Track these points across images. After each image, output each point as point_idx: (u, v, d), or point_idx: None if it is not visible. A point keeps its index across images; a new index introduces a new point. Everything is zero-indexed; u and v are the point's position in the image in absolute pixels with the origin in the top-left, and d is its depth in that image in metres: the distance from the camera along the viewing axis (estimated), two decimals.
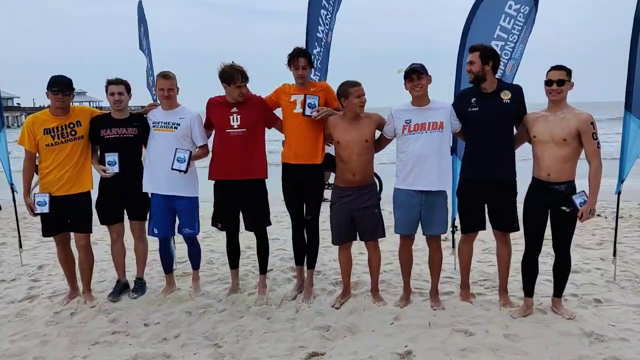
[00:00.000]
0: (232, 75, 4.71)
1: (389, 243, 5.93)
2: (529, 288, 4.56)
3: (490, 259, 6.05)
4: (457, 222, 5.12)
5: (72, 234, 5.04)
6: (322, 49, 5.88)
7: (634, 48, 4.95)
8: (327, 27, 5.87)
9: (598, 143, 4.24)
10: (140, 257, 5.29)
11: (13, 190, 6.25)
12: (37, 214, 4.82)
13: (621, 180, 5.22)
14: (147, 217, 5.19)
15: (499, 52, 4.87)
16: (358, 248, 5.13)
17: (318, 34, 5.82)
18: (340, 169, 4.72)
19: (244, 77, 4.74)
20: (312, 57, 5.30)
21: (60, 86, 4.68)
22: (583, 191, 4.27)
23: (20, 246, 6.50)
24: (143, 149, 5.07)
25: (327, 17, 5.86)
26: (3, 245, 7.57)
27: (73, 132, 4.79)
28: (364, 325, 4.36)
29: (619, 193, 5.29)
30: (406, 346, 3.91)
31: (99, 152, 5.02)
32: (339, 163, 4.72)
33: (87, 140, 4.89)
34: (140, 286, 5.23)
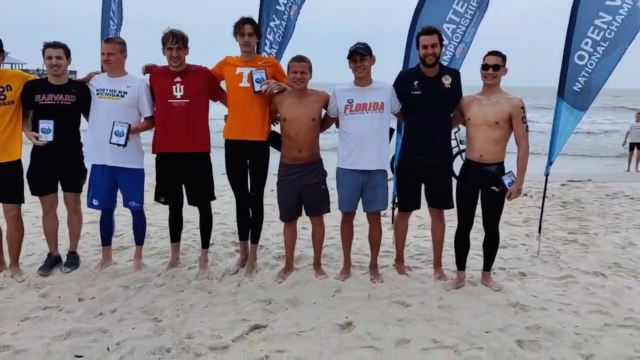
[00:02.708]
0: (166, 36, 4.59)
1: (331, 218, 6.00)
2: (460, 262, 4.79)
3: (426, 234, 6.28)
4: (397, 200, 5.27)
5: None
6: (282, 22, 5.72)
7: (569, 38, 5.22)
8: (292, 1, 5.72)
9: (527, 127, 4.50)
10: (74, 229, 5.11)
11: None
12: None
13: (550, 163, 5.52)
14: (82, 189, 5.02)
15: (450, 35, 5.00)
16: (300, 223, 5.18)
17: (278, 7, 5.67)
18: (287, 145, 4.71)
19: (177, 40, 4.57)
20: (268, 28, 5.20)
21: None
22: (511, 172, 4.51)
23: None
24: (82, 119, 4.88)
25: None
26: None
27: (2, 97, 4.52)
28: (305, 298, 4.45)
29: (547, 174, 5.59)
30: (347, 317, 4.03)
31: (31, 119, 4.78)
32: (286, 140, 4.72)
33: (19, 105, 4.63)
34: (73, 260, 5.06)
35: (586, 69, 5.26)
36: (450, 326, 3.90)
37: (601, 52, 5.20)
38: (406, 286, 4.69)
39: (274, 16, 5.74)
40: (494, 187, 4.50)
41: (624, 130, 17.12)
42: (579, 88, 5.32)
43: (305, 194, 4.78)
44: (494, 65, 4.42)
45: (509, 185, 4.45)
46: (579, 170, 13.06)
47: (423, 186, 4.84)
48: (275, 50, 5.75)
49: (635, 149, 14.49)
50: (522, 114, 4.42)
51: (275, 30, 5.69)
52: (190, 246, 5.76)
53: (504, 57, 4.47)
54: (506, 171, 4.52)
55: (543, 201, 5.72)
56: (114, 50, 4.70)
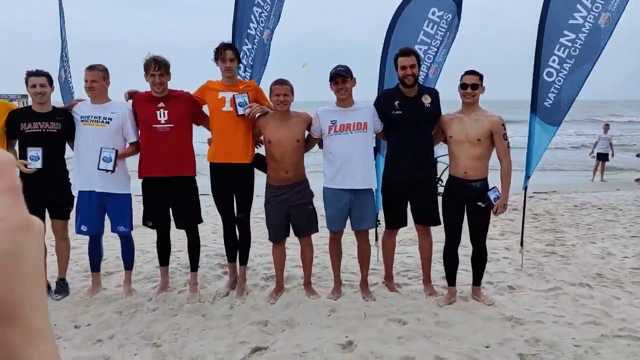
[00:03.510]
0: (148, 63, 4.63)
1: (315, 237, 6.08)
2: (451, 278, 4.90)
3: (407, 250, 6.42)
4: (380, 217, 5.36)
5: None
6: (254, 46, 5.84)
7: (538, 56, 5.44)
8: (262, 25, 5.82)
9: (508, 143, 4.66)
10: (62, 256, 5.06)
11: None
12: None
13: (527, 177, 5.71)
14: (70, 216, 4.97)
15: (422, 56, 5.14)
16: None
17: (249, 31, 5.78)
18: (273, 167, 4.77)
19: (159, 66, 4.62)
20: (241, 52, 5.29)
21: None
22: (495, 187, 4.66)
23: None
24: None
25: (263, 15, 5.81)
26: None
27: None
28: (301, 318, 4.47)
29: (525, 188, 5.78)
30: (346, 337, 4.07)
31: (17, 147, 4.73)
32: (271, 162, 4.77)
33: (3, 135, 4.60)
34: (63, 287, 5.00)
35: (555, 85, 5.45)
36: (450, 342, 3.97)
37: (567, 69, 5.39)
38: (399, 303, 4.77)
39: (246, 40, 5.85)
40: (479, 203, 4.64)
41: (590, 142, 17.76)
42: (549, 104, 5.50)
43: (293, 214, 4.84)
44: (472, 84, 4.57)
45: (495, 201, 4.60)
46: (542, 182, 13.36)
47: (409, 204, 4.95)
48: (249, 74, 5.84)
49: (601, 160, 14.99)
50: (502, 130, 4.58)
51: (247, 54, 5.80)
52: (176, 269, 5.72)
53: (481, 76, 4.63)
54: (490, 187, 4.66)
55: (524, 215, 5.89)
56: (97, 77, 4.71)
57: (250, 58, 5.79)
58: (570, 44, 5.33)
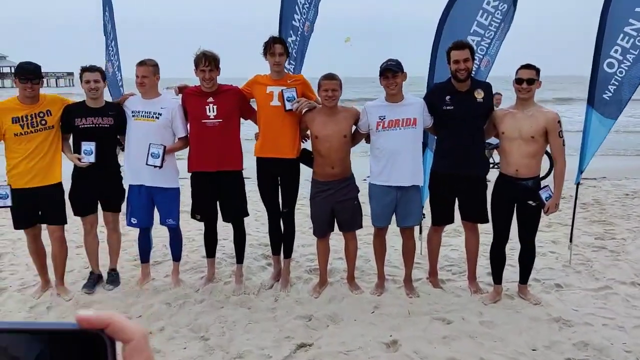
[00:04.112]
0: (198, 58, 4.68)
1: (359, 230, 6.09)
2: (497, 276, 4.83)
3: (452, 242, 6.33)
4: (424, 210, 5.30)
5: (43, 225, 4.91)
6: (297, 38, 5.84)
7: (599, 46, 5.23)
8: (305, 17, 5.83)
9: (563, 141, 4.50)
10: (114, 247, 5.23)
11: None
12: (0, 207, 4.67)
13: (580, 171, 5.56)
14: (121, 209, 5.12)
15: (475, 48, 5.01)
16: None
17: (294, 22, 5.78)
18: (319, 163, 4.78)
19: (209, 62, 4.66)
20: (288, 45, 5.29)
21: (28, 74, 4.48)
22: (547, 186, 4.55)
23: None
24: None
25: (305, 6, 5.81)
26: None
27: (43, 122, 4.62)
28: (345, 314, 4.51)
29: (578, 183, 5.62)
30: (391, 335, 4.08)
31: (71, 141, 4.88)
32: (317, 157, 4.78)
33: (58, 129, 4.73)
34: (114, 277, 5.17)
35: (616, 76, 5.25)
36: (495, 343, 3.94)
37: (631, 60, 5.18)
38: (444, 301, 4.74)
39: (290, 32, 5.85)
40: (530, 202, 4.54)
41: None
42: (609, 96, 5.31)
43: (338, 210, 4.84)
44: (528, 79, 4.42)
45: (546, 200, 4.49)
46: (591, 166, 12.91)
47: (457, 200, 4.89)
48: (293, 66, 5.86)
49: None
50: (558, 128, 4.42)
51: (292, 45, 5.80)
52: (222, 259, 5.82)
53: (537, 71, 4.46)
54: (542, 185, 4.56)
55: (574, 210, 5.76)
56: (148, 73, 4.79)
57: (294, 50, 5.78)
58: (635, 34, 5.11)
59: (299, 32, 5.85)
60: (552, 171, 4.60)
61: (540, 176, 4.62)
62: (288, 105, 4.73)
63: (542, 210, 4.55)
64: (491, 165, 10.72)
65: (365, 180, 8.85)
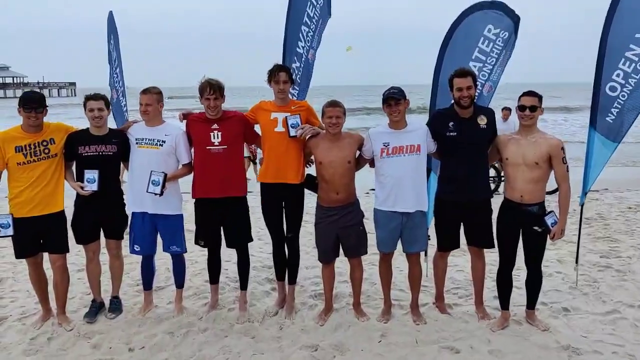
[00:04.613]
0: (203, 87, 4.69)
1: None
2: (504, 301, 4.78)
3: (457, 262, 6.27)
4: (429, 233, 5.24)
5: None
6: (301, 65, 5.88)
7: (599, 69, 5.22)
8: (309, 44, 5.87)
9: (567, 167, 4.48)
10: (116, 275, 5.17)
11: None
12: (1, 237, 4.61)
13: (584, 193, 5.51)
14: (124, 236, 5.07)
15: (476, 73, 4.98)
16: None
17: (298, 49, 5.83)
18: (324, 188, 4.74)
19: (214, 90, 4.67)
20: (291, 70, 5.28)
21: (33, 104, 4.47)
22: (552, 211, 4.51)
23: None
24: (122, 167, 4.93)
25: (309, 34, 5.86)
26: None
27: (46, 150, 4.58)
28: (351, 343, 4.45)
29: (582, 204, 5.57)
30: None
31: (74, 169, 4.83)
32: (322, 183, 4.75)
33: (61, 158, 4.70)
34: (117, 305, 5.11)
35: (619, 100, 5.25)
36: None
37: (633, 84, 5.19)
38: (451, 327, 4.69)
39: (295, 58, 5.90)
40: (536, 227, 4.50)
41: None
42: (612, 119, 5.30)
43: (343, 235, 4.80)
44: (531, 106, 4.42)
45: (552, 226, 4.45)
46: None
47: (462, 225, 4.84)
48: (297, 91, 5.88)
49: None
50: (562, 154, 4.42)
51: (296, 72, 5.85)
52: (225, 284, 5.77)
53: (540, 98, 4.47)
54: (547, 211, 4.52)
55: (579, 232, 5.70)
56: (152, 101, 4.78)
57: (299, 76, 5.78)
58: (637, 59, 5.11)
59: (303, 59, 5.89)
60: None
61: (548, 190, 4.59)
62: (292, 132, 4.72)
63: (548, 235, 4.50)
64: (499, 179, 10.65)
65: (368, 193, 8.93)
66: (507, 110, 11.74)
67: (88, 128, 4.81)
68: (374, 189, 4.90)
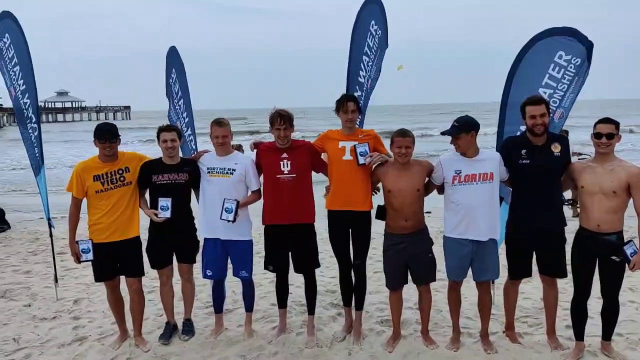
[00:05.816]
0: (273, 117, 4.84)
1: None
2: (579, 332, 4.66)
3: (524, 289, 6.10)
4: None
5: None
6: (362, 94, 6.01)
7: None
8: (369, 74, 6.02)
9: None
10: (188, 298, 5.33)
11: (50, 226, 6.31)
12: (83, 261, 4.86)
13: None
14: (195, 260, 5.24)
15: (547, 100, 4.93)
16: None
17: (359, 79, 5.97)
18: (392, 216, 4.78)
19: (284, 121, 4.81)
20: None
21: (107, 135, 4.72)
22: (631, 241, 4.38)
23: (56, 280, 6.49)
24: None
25: (369, 64, 5.99)
26: (28, 274, 7.52)
27: (122, 178, 4.82)
28: None
29: None
30: None
31: (148, 196, 5.05)
32: (390, 210, 4.78)
33: (136, 186, 4.92)
34: (189, 327, 5.27)
35: None
36: None
37: None
38: (524, 357, 4.61)
39: (357, 87, 6.04)
40: (614, 257, 4.39)
41: None
42: None
43: (412, 263, 4.81)
44: (607, 134, 4.32)
45: (631, 256, 4.33)
46: None
47: (535, 254, 4.77)
48: (359, 119, 5.93)
49: None
50: None
51: (358, 100, 5.92)
52: (291, 308, 5.82)
53: (617, 125, 4.36)
54: (626, 239, 4.40)
55: None
56: (227, 133, 4.98)
57: (361, 104, 5.88)
58: None
59: (364, 88, 6.00)
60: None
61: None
62: (361, 160, 4.79)
63: (627, 265, 4.38)
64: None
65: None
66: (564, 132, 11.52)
67: (161, 157, 5.03)
68: (429, 212, 4.87)
